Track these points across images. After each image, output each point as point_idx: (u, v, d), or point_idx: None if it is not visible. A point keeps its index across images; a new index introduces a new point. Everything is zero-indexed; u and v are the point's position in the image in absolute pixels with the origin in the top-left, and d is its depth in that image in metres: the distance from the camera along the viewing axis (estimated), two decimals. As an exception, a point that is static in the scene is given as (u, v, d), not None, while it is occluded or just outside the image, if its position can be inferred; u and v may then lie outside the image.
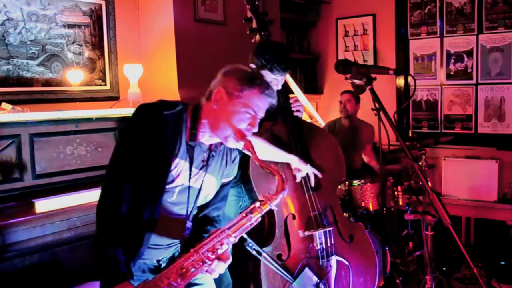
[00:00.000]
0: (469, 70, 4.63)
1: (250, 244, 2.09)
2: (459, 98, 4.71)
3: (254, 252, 2.16)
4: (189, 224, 1.76)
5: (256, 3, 2.66)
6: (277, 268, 2.24)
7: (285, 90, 2.61)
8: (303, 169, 2.39)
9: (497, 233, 4.06)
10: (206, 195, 1.77)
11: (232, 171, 1.86)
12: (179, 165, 1.63)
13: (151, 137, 1.56)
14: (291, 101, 2.60)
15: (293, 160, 2.39)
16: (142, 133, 1.57)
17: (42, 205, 2.31)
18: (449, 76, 4.76)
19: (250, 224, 1.60)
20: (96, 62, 3.32)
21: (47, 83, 3.05)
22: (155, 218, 1.61)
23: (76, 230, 2.34)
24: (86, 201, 2.37)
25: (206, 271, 1.59)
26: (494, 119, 4.54)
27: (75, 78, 3.12)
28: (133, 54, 3.52)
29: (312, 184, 2.45)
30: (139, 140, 1.57)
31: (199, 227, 1.82)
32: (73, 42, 3.18)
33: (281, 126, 2.54)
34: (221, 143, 1.70)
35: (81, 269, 2.37)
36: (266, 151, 2.36)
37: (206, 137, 1.67)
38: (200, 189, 1.70)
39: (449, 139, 3.88)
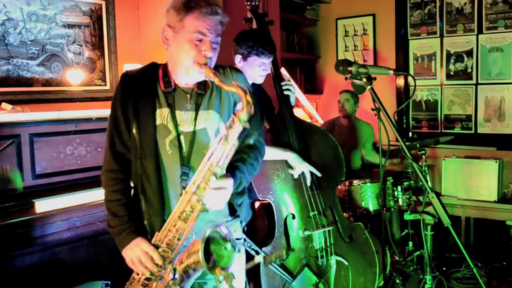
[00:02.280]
0: (469, 70, 4.63)
1: (248, 245, 2.09)
2: (459, 98, 4.71)
3: (253, 252, 2.17)
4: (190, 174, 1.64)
5: (256, 3, 2.67)
6: (276, 268, 2.25)
7: (279, 83, 2.60)
8: (298, 167, 2.41)
9: (497, 233, 4.06)
10: (214, 131, 1.67)
11: None
12: (163, 114, 1.63)
13: (122, 97, 1.66)
14: (282, 83, 2.59)
15: (290, 157, 2.41)
16: (116, 96, 1.69)
17: (42, 205, 2.31)
18: (449, 76, 4.75)
19: (230, 149, 1.53)
20: (96, 62, 3.32)
21: (47, 83, 3.05)
22: (158, 171, 1.63)
23: (76, 230, 2.34)
24: (86, 201, 2.37)
25: (205, 209, 1.55)
26: (494, 119, 4.54)
27: (75, 78, 3.12)
28: (133, 54, 3.52)
29: (308, 183, 2.45)
30: (114, 103, 1.68)
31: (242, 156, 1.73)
32: (73, 42, 3.18)
33: (281, 125, 2.55)
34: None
35: (81, 269, 2.37)
36: None
37: (182, 79, 1.66)
38: (194, 132, 1.64)
39: (449, 139, 3.88)
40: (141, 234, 1.60)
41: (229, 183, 1.57)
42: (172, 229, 1.55)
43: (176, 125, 1.63)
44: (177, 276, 1.51)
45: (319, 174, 2.48)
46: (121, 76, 1.73)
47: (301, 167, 2.42)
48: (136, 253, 1.55)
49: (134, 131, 1.63)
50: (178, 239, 1.55)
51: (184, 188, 1.58)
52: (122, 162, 1.68)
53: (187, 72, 1.62)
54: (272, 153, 2.39)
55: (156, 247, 1.56)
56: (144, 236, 1.61)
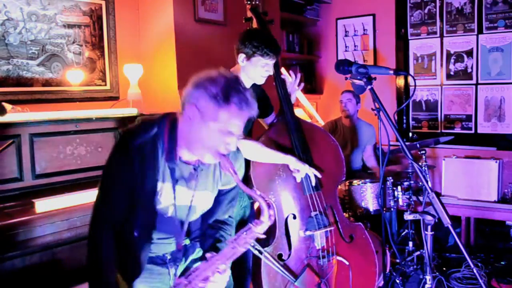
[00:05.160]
0: (469, 70, 4.63)
1: (252, 244, 2.09)
2: (459, 98, 4.71)
3: (256, 252, 2.17)
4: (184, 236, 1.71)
5: (257, 2, 2.66)
6: (279, 268, 2.24)
7: (283, 83, 2.60)
8: (301, 169, 2.39)
9: (497, 233, 4.06)
10: (202, 210, 1.72)
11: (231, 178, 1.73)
12: (163, 188, 1.59)
13: (127, 170, 1.53)
14: (282, 76, 2.59)
15: (291, 161, 2.38)
16: (118, 167, 1.56)
17: (42, 205, 2.31)
18: (449, 76, 4.75)
19: (238, 252, 1.58)
20: (96, 62, 3.32)
21: (47, 83, 3.05)
22: (149, 239, 1.63)
23: (76, 230, 2.34)
24: (86, 201, 2.37)
25: None
26: (494, 119, 4.54)
27: (75, 78, 3.12)
28: (133, 54, 3.52)
29: (313, 184, 2.44)
30: (117, 173, 1.57)
31: (210, 231, 1.79)
32: (73, 42, 3.17)
33: (282, 124, 2.55)
34: None
35: (81, 269, 2.37)
36: (261, 154, 2.37)
37: (186, 154, 1.59)
38: (190, 207, 1.66)
39: (449, 139, 3.88)
40: None
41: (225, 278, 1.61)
42: None
43: (174, 198, 1.60)
44: None
45: (319, 175, 2.46)
46: (124, 139, 1.55)
47: (303, 169, 2.39)
48: None
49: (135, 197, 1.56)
50: None
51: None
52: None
53: (200, 156, 1.56)
54: (272, 157, 2.38)
55: None
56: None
